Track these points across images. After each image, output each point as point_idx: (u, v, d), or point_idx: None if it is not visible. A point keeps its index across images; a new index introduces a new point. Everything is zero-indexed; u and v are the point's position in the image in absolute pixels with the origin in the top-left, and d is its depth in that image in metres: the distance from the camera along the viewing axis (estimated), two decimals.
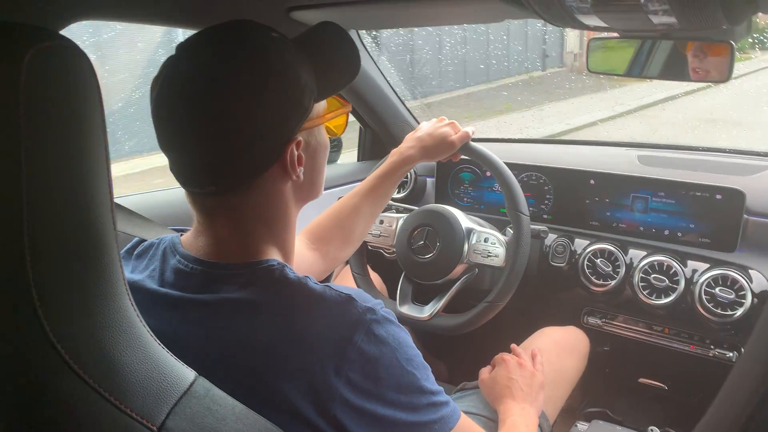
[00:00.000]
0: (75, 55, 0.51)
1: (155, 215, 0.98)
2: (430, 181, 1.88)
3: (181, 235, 0.81)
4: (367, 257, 1.53)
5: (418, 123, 2.03)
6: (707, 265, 1.39)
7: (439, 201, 1.82)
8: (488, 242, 1.35)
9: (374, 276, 1.63)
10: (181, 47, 0.73)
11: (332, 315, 0.69)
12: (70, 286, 0.49)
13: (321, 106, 0.82)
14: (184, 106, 0.69)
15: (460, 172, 1.79)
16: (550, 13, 0.89)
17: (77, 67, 0.51)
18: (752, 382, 0.41)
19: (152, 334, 0.56)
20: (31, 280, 0.47)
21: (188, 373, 0.57)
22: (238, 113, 0.69)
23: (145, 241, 0.85)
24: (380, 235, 1.49)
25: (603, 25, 0.92)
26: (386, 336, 0.70)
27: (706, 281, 1.34)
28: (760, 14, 0.94)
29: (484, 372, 1.27)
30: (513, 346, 1.34)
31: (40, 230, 0.48)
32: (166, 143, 0.73)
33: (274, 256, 0.77)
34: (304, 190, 0.82)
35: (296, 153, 0.75)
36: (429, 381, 0.74)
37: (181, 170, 0.74)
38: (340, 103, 0.87)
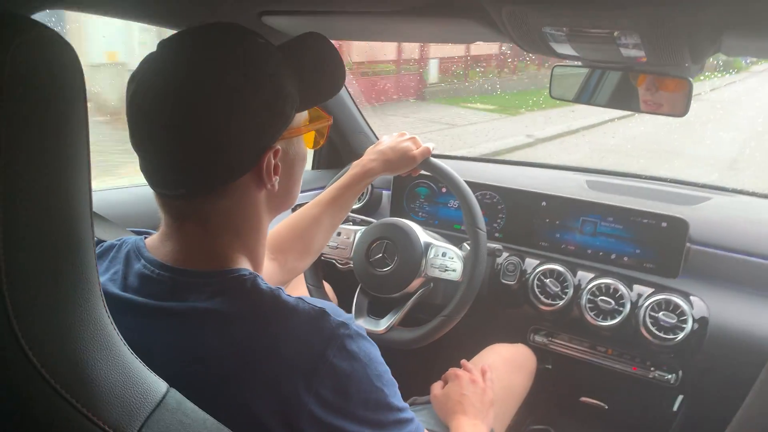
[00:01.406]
0: (60, 47, 0.48)
1: (112, 215, 0.95)
2: (386, 194, 1.89)
3: (145, 238, 0.79)
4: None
5: (374, 134, 2.04)
6: (652, 290, 1.44)
7: (394, 214, 1.83)
8: (446, 257, 1.37)
9: (326, 287, 1.62)
10: (163, 45, 0.71)
11: (305, 329, 0.68)
12: (45, 292, 0.47)
13: (302, 116, 0.81)
14: (161, 105, 0.67)
15: (416, 186, 1.81)
16: (524, 39, 0.91)
17: (62, 60, 0.48)
18: None
19: (125, 343, 0.54)
20: (5, 283, 0.44)
21: (161, 385, 0.55)
22: (217, 117, 0.67)
23: (105, 242, 0.81)
24: (337, 247, 1.48)
25: (574, 54, 0.96)
26: (358, 351, 0.69)
27: (651, 305, 1.40)
28: None
29: (436, 387, 1.27)
30: (464, 362, 1.35)
31: (15, 231, 0.45)
32: (138, 141, 0.70)
33: (245, 265, 0.76)
34: (278, 200, 0.80)
35: (273, 162, 0.74)
36: (396, 398, 0.74)
37: (151, 170, 0.72)
38: (322, 115, 0.86)
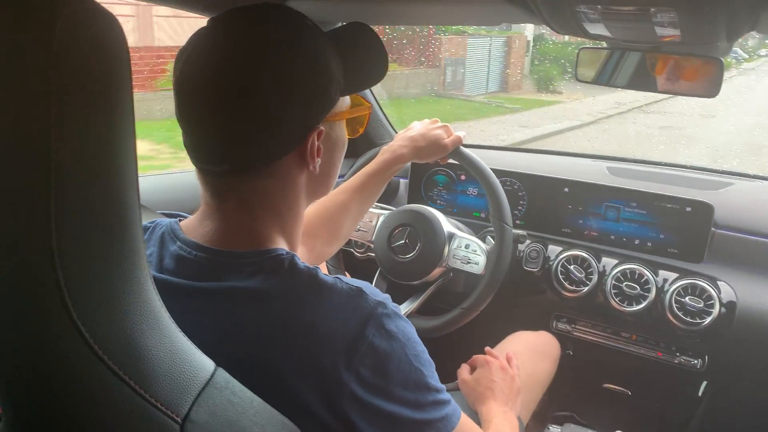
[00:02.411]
0: (107, 21, 0.48)
1: (143, 201, 0.94)
2: (403, 182, 1.89)
3: (180, 220, 0.79)
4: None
5: (391, 125, 2.03)
6: (677, 275, 1.43)
7: (412, 202, 1.82)
8: (469, 249, 1.36)
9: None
10: (215, 21, 0.72)
11: (344, 308, 0.68)
12: (97, 268, 0.47)
13: (344, 101, 0.82)
14: (211, 80, 0.69)
15: (434, 174, 1.80)
16: (557, 19, 0.90)
17: (109, 34, 0.48)
18: None
19: (173, 321, 0.54)
20: (57, 258, 0.44)
21: (208, 363, 0.55)
22: (266, 93, 0.69)
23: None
24: (359, 229, 1.48)
25: (607, 34, 0.94)
26: (396, 331, 0.69)
27: (677, 290, 1.39)
28: None
29: (464, 372, 1.27)
30: (488, 349, 1.34)
31: (66, 204, 0.45)
32: (185, 115, 0.71)
33: (282, 245, 0.76)
34: (317, 183, 0.81)
35: (317, 143, 0.75)
36: (434, 378, 0.74)
37: (197, 145, 0.72)
38: (362, 102, 0.87)
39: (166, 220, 0.80)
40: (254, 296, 0.68)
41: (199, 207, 0.77)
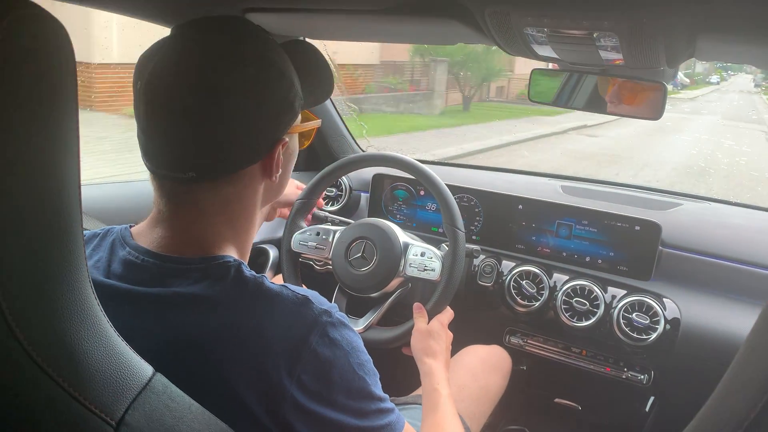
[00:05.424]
0: (51, 26, 0.48)
1: (94, 210, 0.94)
2: (364, 196, 1.90)
3: (131, 226, 0.79)
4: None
5: (353, 138, 2.05)
6: (625, 292, 1.47)
7: (372, 216, 1.83)
8: (425, 256, 1.37)
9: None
10: (181, 29, 0.73)
11: (288, 315, 0.69)
12: (33, 272, 0.47)
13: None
14: (186, 87, 0.69)
15: (395, 189, 1.82)
16: (507, 41, 0.93)
17: (54, 39, 0.48)
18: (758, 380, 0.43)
19: (112, 326, 0.54)
20: None
21: (147, 368, 0.55)
22: (240, 103, 0.70)
23: (86, 230, 0.81)
24: (316, 247, 1.48)
25: (554, 56, 0.98)
26: (340, 339, 0.70)
27: (624, 306, 1.42)
28: None
29: (422, 321, 1.26)
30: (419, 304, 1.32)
31: (3, 211, 0.45)
32: (151, 122, 0.71)
33: (231, 253, 0.76)
34: (272, 192, 0.83)
35: (281, 154, 0.76)
36: (377, 387, 0.75)
37: (161, 152, 0.72)
38: (312, 117, 0.89)
39: (119, 227, 0.80)
40: (199, 302, 0.68)
41: (150, 214, 0.77)
